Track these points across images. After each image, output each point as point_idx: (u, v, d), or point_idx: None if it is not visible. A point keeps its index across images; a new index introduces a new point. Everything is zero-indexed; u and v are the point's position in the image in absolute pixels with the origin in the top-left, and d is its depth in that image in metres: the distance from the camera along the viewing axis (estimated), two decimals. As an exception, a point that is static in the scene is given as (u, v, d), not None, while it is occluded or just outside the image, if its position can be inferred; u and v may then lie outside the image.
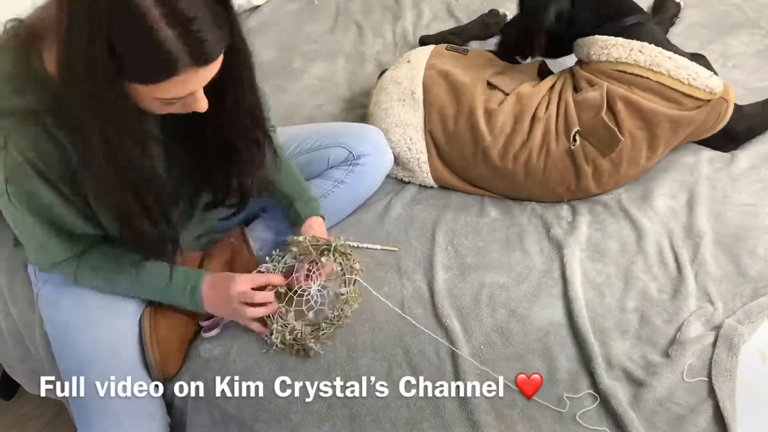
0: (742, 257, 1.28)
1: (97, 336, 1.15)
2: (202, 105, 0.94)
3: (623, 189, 1.44)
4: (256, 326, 1.19)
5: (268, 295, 1.18)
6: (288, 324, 1.21)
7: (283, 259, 1.28)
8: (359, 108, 1.73)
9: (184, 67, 0.85)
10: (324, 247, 1.29)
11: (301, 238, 1.26)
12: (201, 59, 0.85)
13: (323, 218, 1.31)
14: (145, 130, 0.98)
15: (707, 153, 1.52)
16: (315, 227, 1.28)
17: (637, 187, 1.45)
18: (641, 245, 1.32)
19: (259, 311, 1.17)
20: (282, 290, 1.24)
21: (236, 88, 1.00)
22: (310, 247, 1.27)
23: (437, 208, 1.43)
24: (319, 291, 1.24)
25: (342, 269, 1.25)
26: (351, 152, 1.38)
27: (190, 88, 0.90)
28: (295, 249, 1.29)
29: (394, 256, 1.33)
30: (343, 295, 1.22)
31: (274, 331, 1.19)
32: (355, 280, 1.24)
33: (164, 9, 0.80)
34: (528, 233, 1.37)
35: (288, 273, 1.25)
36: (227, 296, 1.15)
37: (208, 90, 0.93)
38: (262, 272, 1.25)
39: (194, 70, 0.86)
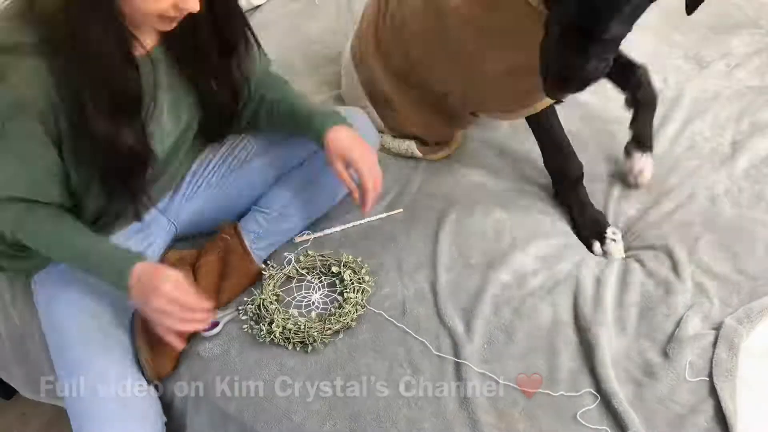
0: (740, 254, 1.29)
1: (88, 337, 1.15)
2: (194, 3, 0.98)
3: (624, 188, 1.45)
4: (172, 339, 1.13)
5: (191, 300, 1.11)
6: (290, 317, 1.21)
7: (289, 267, 1.29)
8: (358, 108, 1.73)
9: None
10: (332, 261, 1.30)
11: (311, 252, 1.32)
12: None
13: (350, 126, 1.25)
14: (131, 33, 1.00)
15: (707, 150, 1.53)
16: (343, 138, 1.21)
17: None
18: (643, 242, 1.33)
19: (183, 325, 1.12)
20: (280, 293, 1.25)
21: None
22: (317, 261, 1.31)
23: (439, 209, 1.43)
24: (321, 299, 1.25)
25: (351, 280, 1.26)
26: None
27: None
28: (303, 258, 1.31)
29: (394, 256, 1.33)
30: (352, 298, 1.23)
31: (274, 323, 1.19)
32: (363, 289, 1.25)
33: None
34: (531, 233, 1.37)
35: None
36: (149, 288, 1.08)
37: None
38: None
39: None
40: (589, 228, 1.37)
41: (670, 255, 1.30)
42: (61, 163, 1.07)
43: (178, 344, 1.14)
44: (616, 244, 1.34)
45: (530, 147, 1.58)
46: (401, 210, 1.41)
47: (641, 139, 1.43)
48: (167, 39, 1.11)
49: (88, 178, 1.10)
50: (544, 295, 1.25)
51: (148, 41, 1.07)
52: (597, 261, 1.31)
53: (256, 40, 1.21)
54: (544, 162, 1.44)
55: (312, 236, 1.36)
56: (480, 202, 1.44)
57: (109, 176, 1.10)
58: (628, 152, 1.44)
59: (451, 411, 1.08)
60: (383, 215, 1.40)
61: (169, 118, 1.16)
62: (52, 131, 1.03)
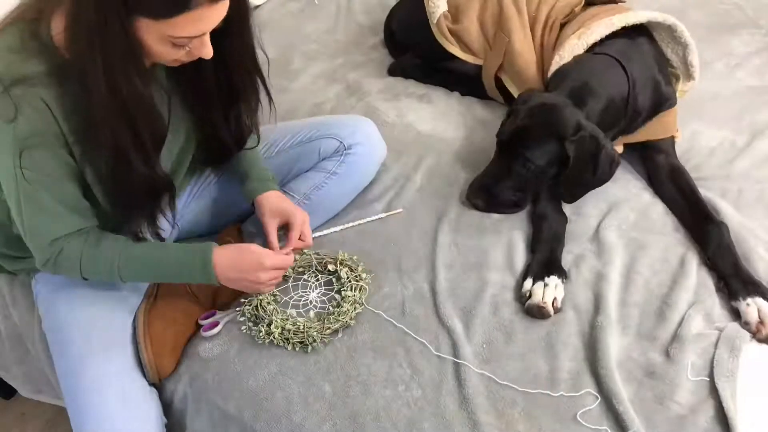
0: (741, 256, 1.28)
1: (89, 336, 1.15)
2: (208, 51, 0.99)
3: (625, 188, 1.45)
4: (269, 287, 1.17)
5: (289, 259, 1.17)
6: (289, 317, 1.21)
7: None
8: (359, 107, 1.73)
9: (198, 1, 0.89)
10: (328, 259, 1.30)
11: (306, 251, 1.31)
12: None
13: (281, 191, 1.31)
14: (150, 70, 1.01)
15: (706, 151, 1.53)
16: (265, 204, 1.26)
17: (639, 186, 1.46)
18: (643, 241, 1.32)
19: (280, 273, 1.16)
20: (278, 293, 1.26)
21: (241, 32, 1.06)
22: (313, 260, 1.31)
23: (439, 208, 1.43)
24: (319, 298, 1.26)
25: (348, 278, 1.27)
26: (342, 142, 1.39)
27: (202, 27, 0.94)
28: (298, 257, 1.31)
29: (394, 256, 1.33)
30: (349, 296, 1.23)
31: (273, 323, 1.19)
32: (361, 287, 1.25)
33: None
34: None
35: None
36: (251, 267, 1.12)
37: (213, 35, 0.98)
38: None
39: (208, 6, 0.91)
40: None
41: (674, 253, 1.30)
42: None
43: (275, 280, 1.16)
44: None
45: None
46: (401, 210, 1.42)
47: (741, 285, 1.22)
48: (178, 71, 1.10)
49: (107, 203, 1.10)
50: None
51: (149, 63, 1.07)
52: (597, 257, 1.31)
53: (269, 97, 1.23)
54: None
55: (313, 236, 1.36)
56: (480, 202, 1.44)
57: (134, 203, 1.10)
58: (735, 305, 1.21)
59: (450, 411, 1.08)
60: (383, 215, 1.40)
61: (171, 134, 1.14)
62: (70, 156, 1.03)
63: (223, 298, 1.28)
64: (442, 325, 1.21)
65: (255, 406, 1.13)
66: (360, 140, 1.40)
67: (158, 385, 1.21)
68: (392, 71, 1.88)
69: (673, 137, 1.51)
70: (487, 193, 1.41)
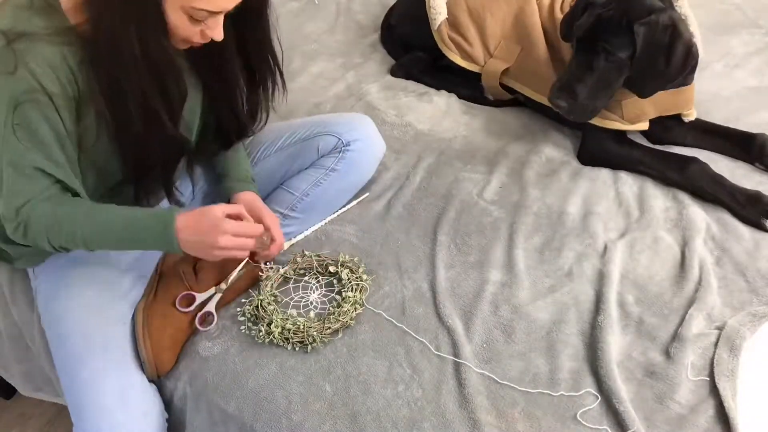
0: (743, 256, 1.29)
1: (88, 331, 1.15)
2: (220, 32, 1.04)
3: (627, 187, 1.45)
4: (237, 252, 1.13)
5: (253, 227, 1.14)
6: (289, 317, 1.21)
7: (286, 268, 1.30)
8: (359, 107, 1.73)
9: None
10: (329, 261, 1.30)
11: (307, 253, 1.32)
12: None
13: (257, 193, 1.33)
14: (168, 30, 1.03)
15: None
16: (239, 203, 1.26)
17: (637, 184, 1.46)
18: (644, 240, 1.32)
19: (243, 242, 1.11)
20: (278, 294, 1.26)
21: (260, 19, 1.15)
22: (314, 261, 1.31)
23: (439, 208, 1.43)
24: (320, 299, 1.26)
25: (349, 279, 1.27)
26: (340, 139, 1.39)
27: (221, 3, 1.00)
28: (299, 259, 1.31)
29: (395, 255, 1.33)
30: (350, 297, 1.23)
31: (273, 323, 1.19)
32: (362, 288, 1.25)
33: None
34: (531, 231, 1.37)
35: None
36: (210, 228, 1.08)
37: (235, 20, 1.07)
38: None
39: None
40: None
41: (674, 252, 1.30)
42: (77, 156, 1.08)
43: (247, 248, 1.14)
44: None
45: (530, 145, 1.58)
46: (367, 194, 1.44)
47: None
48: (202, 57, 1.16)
49: (126, 166, 1.14)
50: (544, 292, 1.25)
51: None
52: (598, 256, 1.31)
53: (284, 85, 1.28)
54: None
55: (293, 241, 1.36)
56: (479, 201, 1.44)
57: (148, 164, 1.14)
58: None
59: (450, 411, 1.08)
60: (354, 203, 1.42)
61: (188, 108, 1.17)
62: (72, 120, 1.04)
63: (224, 297, 1.27)
64: (442, 325, 1.21)
65: (255, 406, 1.13)
66: (358, 137, 1.40)
67: (158, 381, 1.21)
68: (394, 73, 1.88)
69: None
70: (570, 92, 1.41)
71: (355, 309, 1.22)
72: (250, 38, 1.16)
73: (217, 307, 1.26)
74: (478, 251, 1.33)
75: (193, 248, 1.09)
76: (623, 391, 1.07)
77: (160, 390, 1.21)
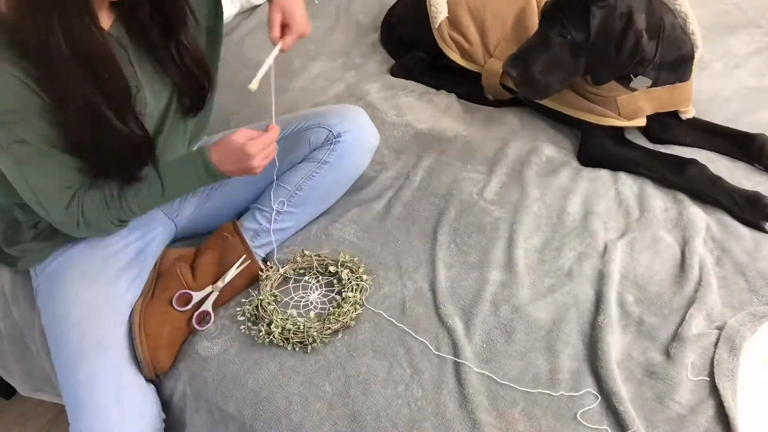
0: (743, 256, 1.29)
1: (85, 331, 1.16)
2: None
3: (627, 186, 1.45)
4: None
5: (271, 137, 1.19)
6: (289, 317, 1.21)
7: (285, 268, 1.30)
8: (359, 107, 1.73)
9: None
10: (329, 260, 1.30)
11: (307, 252, 1.32)
12: None
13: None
14: (99, 26, 1.02)
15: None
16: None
17: (637, 184, 1.46)
18: (644, 240, 1.32)
19: (271, 151, 1.20)
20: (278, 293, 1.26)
21: None
22: (314, 261, 1.31)
23: (439, 207, 1.43)
24: (320, 299, 1.26)
25: (349, 279, 1.27)
26: (330, 131, 1.38)
27: None
28: (299, 259, 1.30)
29: (395, 255, 1.33)
30: (350, 297, 1.23)
31: (273, 323, 1.19)
32: (362, 288, 1.25)
33: None
34: (531, 231, 1.37)
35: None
36: (241, 158, 1.16)
37: None
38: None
39: None
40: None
41: (674, 252, 1.30)
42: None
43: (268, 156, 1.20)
44: None
45: (530, 145, 1.58)
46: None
47: None
48: (120, 15, 1.12)
49: (89, 166, 1.14)
50: (544, 292, 1.25)
51: (104, 20, 1.09)
52: (598, 256, 1.31)
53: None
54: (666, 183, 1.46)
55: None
56: (479, 201, 1.44)
57: (111, 164, 1.14)
58: None
59: (451, 411, 1.08)
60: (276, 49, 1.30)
61: (149, 95, 1.17)
62: (52, 124, 1.05)
63: (222, 296, 1.27)
64: (442, 325, 1.21)
65: (255, 406, 1.13)
66: (348, 127, 1.39)
67: (156, 381, 1.21)
68: (394, 73, 1.88)
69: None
70: (523, 62, 1.43)
71: (355, 309, 1.22)
72: None
73: (215, 306, 1.26)
74: (478, 251, 1.33)
75: (235, 173, 1.19)
76: (623, 391, 1.07)
77: (160, 390, 1.21)
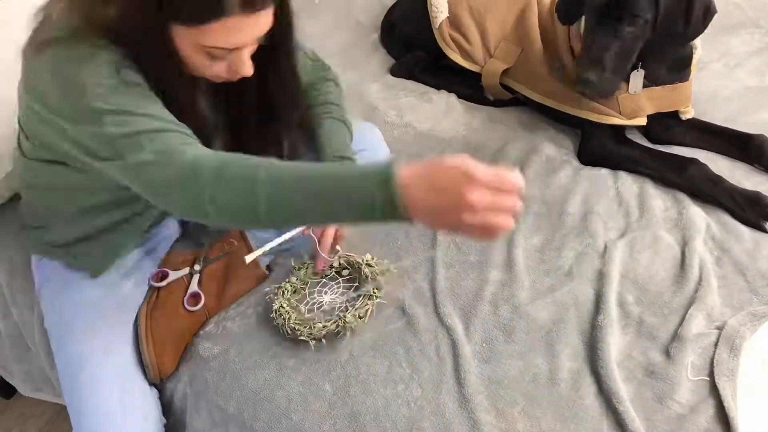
0: (744, 256, 1.29)
1: (92, 333, 1.15)
2: (248, 69, 0.96)
3: (627, 186, 1.45)
4: (493, 219, 0.75)
5: (513, 179, 0.77)
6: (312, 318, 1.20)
7: (305, 269, 1.29)
8: (359, 107, 1.73)
9: (232, 9, 0.86)
10: (336, 260, 1.30)
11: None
12: (250, 5, 0.87)
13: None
14: (193, 78, 0.98)
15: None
16: None
17: (637, 184, 1.46)
18: (644, 240, 1.33)
19: (501, 202, 0.75)
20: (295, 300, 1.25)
21: (286, 52, 1.05)
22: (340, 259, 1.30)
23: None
24: (339, 302, 1.25)
25: (367, 278, 1.26)
26: None
27: (237, 39, 0.91)
28: (312, 266, 1.30)
29: (395, 255, 1.33)
30: (372, 298, 1.22)
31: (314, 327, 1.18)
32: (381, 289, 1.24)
33: None
34: (531, 231, 1.37)
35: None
36: (447, 177, 0.74)
37: (257, 56, 0.96)
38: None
39: (242, 17, 0.88)
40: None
41: (674, 252, 1.30)
42: None
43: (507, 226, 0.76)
44: None
45: (530, 145, 1.58)
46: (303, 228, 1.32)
47: None
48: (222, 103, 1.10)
49: None
50: (544, 292, 1.25)
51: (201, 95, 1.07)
52: (598, 256, 1.31)
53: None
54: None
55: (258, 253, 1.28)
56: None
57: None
58: None
59: (450, 410, 1.08)
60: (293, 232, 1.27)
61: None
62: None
63: (226, 300, 1.27)
64: (441, 324, 1.21)
65: (255, 406, 1.13)
66: (365, 146, 1.40)
67: (159, 385, 1.21)
68: (395, 72, 1.88)
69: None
70: (599, 64, 1.37)
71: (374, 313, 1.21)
72: (272, 72, 1.06)
73: (222, 308, 1.26)
74: (477, 251, 1.33)
75: (427, 211, 0.75)
76: (623, 391, 1.07)
77: (161, 392, 1.21)
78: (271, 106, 1.11)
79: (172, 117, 0.93)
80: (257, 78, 1.02)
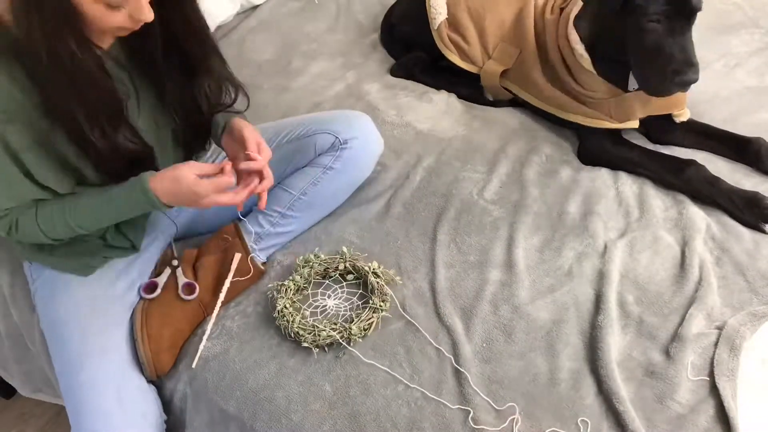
0: (744, 256, 1.29)
1: (87, 333, 1.16)
2: (148, 12, 0.96)
3: (627, 186, 1.45)
4: (226, 198, 1.11)
5: (226, 181, 1.10)
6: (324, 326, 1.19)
7: (308, 267, 1.28)
8: (359, 107, 1.73)
9: None
10: (342, 263, 1.29)
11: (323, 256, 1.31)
12: None
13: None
14: (90, 39, 0.99)
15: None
16: (240, 126, 1.20)
17: (637, 184, 1.46)
18: (644, 240, 1.33)
19: (223, 198, 1.10)
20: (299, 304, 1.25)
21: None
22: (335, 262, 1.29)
23: (438, 207, 1.43)
24: (343, 309, 1.24)
25: (374, 289, 1.25)
26: (337, 137, 1.38)
27: None
28: (317, 265, 1.29)
29: (395, 255, 1.33)
30: (378, 311, 1.21)
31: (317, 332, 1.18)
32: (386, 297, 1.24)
33: None
34: (531, 231, 1.37)
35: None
36: (185, 193, 1.08)
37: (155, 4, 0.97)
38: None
39: None
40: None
41: (674, 252, 1.30)
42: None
43: (234, 199, 1.13)
44: None
45: (530, 145, 1.58)
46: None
47: None
48: (125, 41, 1.09)
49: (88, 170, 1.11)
50: (544, 292, 1.25)
51: (105, 40, 1.07)
52: (598, 256, 1.31)
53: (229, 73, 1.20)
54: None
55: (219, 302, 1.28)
56: (479, 200, 1.44)
57: (113, 176, 1.10)
58: None
59: (450, 411, 1.08)
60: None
61: (144, 120, 1.15)
62: (33, 132, 1.02)
63: (226, 298, 1.28)
64: (441, 324, 1.21)
65: (255, 406, 1.13)
66: (355, 134, 1.39)
67: (157, 382, 1.21)
68: (395, 73, 1.88)
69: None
70: (695, 64, 1.35)
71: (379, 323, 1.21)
72: (171, 20, 1.06)
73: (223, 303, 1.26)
74: (477, 251, 1.33)
75: (180, 206, 1.14)
76: (623, 391, 1.07)
77: (160, 390, 1.21)
78: (184, 54, 1.11)
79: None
80: (161, 31, 1.04)
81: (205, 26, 1.12)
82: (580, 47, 1.50)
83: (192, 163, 1.09)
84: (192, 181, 1.07)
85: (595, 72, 1.50)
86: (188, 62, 1.12)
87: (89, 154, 1.06)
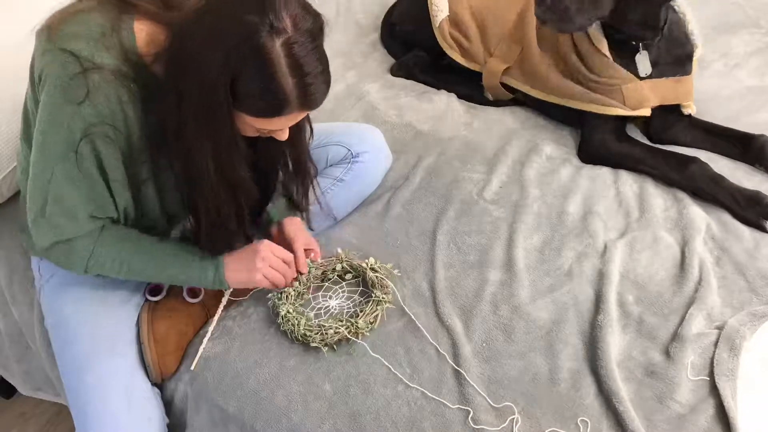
0: (744, 256, 1.29)
1: (95, 334, 1.15)
2: (285, 136, 1.09)
3: (627, 186, 1.45)
4: (275, 275, 1.19)
5: (287, 267, 1.20)
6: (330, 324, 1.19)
7: (312, 269, 1.28)
8: (359, 107, 1.73)
9: (291, 108, 0.98)
10: (338, 263, 1.29)
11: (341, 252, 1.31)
12: (307, 105, 0.99)
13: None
14: (243, 148, 1.06)
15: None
16: (289, 225, 1.28)
17: (638, 184, 1.46)
18: (644, 240, 1.33)
19: (278, 276, 1.19)
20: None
21: (307, 125, 1.20)
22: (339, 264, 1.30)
23: (438, 207, 1.43)
24: (347, 307, 1.25)
25: (374, 284, 1.25)
26: (350, 150, 1.40)
27: (287, 125, 1.05)
28: (314, 269, 1.28)
29: (394, 255, 1.33)
30: (382, 303, 1.21)
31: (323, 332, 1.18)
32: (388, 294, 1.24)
33: (290, 60, 0.93)
34: (531, 231, 1.37)
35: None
36: (248, 256, 1.16)
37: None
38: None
39: (299, 113, 1.00)
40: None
41: (674, 252, 1.30)
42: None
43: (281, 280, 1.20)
44: None
45: (530, 144, 1.58)
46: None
47: None
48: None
49: (157, 216, 1.16)
50: (544, 292, 1.25)
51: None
52: (598, 256, 1.31)
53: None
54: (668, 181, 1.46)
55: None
56: (479, 200, 1.44)
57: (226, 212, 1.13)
58: None
59: (450, 411, 1.08)
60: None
61: None
62: (131, 156, 1.05)
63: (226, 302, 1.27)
64: (441, 324, 1.21)
65: (255, 405, 1.13)
66: (367, 149, 1.42)
67: (160, 384, 1.21)
68: (395, 72, 1.88)
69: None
70: None
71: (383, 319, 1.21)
72: (299, 138, 1.19)
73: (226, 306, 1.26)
74: (477, 251, 1.33)
75: (239, 282, 1.18)
76: (623, 391, 1.07)
77: (162, 392, 1.21)
78: (301, 161, 1.23)
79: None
80: (290, 142, 1.13)
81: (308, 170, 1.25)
82: (596, 31, 1.49)
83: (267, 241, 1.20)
84: (259, 249, 1.16)
85: (610, 57, 1.49)
86: (296, 166, 1.23)
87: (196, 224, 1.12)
